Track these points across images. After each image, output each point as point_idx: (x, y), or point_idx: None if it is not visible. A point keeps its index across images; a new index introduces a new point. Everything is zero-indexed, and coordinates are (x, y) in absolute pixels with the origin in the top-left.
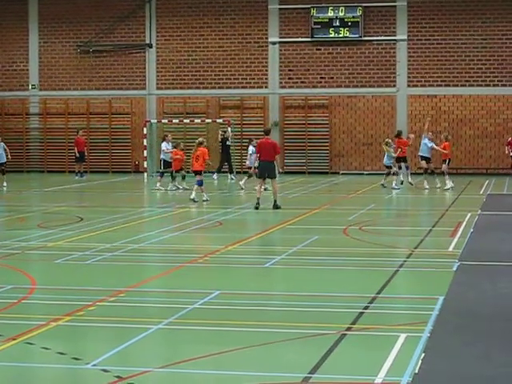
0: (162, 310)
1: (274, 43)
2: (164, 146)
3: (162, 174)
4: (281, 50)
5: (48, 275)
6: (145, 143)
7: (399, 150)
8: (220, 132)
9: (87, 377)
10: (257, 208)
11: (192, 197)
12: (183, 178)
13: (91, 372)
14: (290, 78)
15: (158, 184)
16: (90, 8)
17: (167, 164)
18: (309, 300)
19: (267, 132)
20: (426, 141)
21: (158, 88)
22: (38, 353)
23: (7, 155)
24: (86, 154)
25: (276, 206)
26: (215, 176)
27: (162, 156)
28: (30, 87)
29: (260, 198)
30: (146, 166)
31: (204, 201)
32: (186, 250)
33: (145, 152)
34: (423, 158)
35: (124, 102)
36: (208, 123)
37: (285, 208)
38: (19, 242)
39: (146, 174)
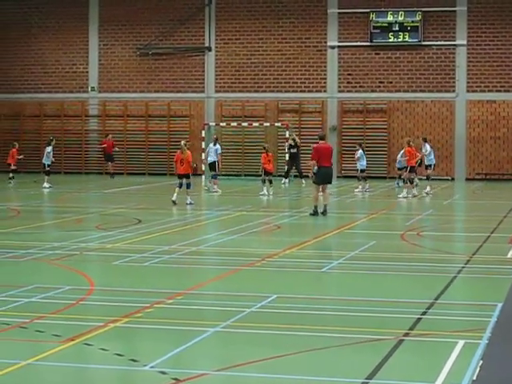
0: (219, 313)
1: (332, 47)
2: (212, 148)
3: (216, 176)
4: (339, 54)
5: (106, 276)
6: (203, 146)
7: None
8: (290, 138)
9: (145, 379)
10: (314, 215)
11: (174, 199)
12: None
13: (149, 374)
14: (348, 82)
15: (216, 187)
16: (150, 11)
17: (214, 166)
18: (366, 305)
19: (323, 137)
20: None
21: (216, 91)
22: (96, 354)
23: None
24: (113, 155)
25: (325, 212)
26: (286, 181)
27: (210, 158)
28: (90, 89)
29: (318, 205)
30: (203, 168)
31: (188, 204)
32: (243, 253)
33: (203, 155)
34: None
35: (182, 104)
36: (266, 127)
37: (342, 213)
38: (77, 243)
39: (203, 177)
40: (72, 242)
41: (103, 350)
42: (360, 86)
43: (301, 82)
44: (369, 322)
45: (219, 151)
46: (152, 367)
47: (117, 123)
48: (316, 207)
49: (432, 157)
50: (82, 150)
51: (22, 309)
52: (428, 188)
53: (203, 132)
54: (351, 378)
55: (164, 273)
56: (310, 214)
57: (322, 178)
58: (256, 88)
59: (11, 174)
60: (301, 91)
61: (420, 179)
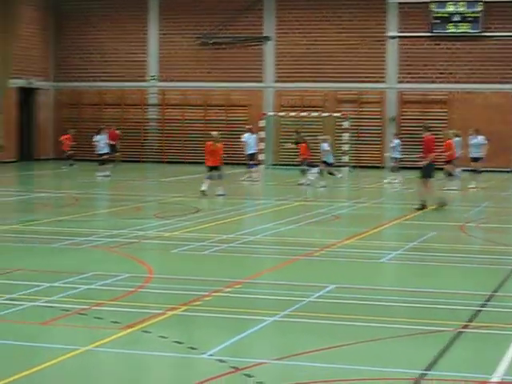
0: (277, 303)
1: (392, 37)
2: (246, 137)
3: (250, 166)
4: (399, 45)
5: (165, 265)
6: (261, 136)
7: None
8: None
9: (203, 367)
10: (421, 209)
11: (203, 188)
12: (303, 171)
13: (207, 362)
14: (408, 73)
15: (256, 175)
16: (210, 0)
17: (254, 156)
18: (424, 296)
19: (428, 128)
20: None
21: (275, 81)
22: (154, 341)
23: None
24: (117, 146)
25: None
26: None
27: (250, 149)
28: (150, 78)
29: (426, 199)
30: (262, 158)
31: (220, 195)
32: (301, 243)
33: (261, 144)
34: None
35: (241, 94)
36: (325, 117)
37: (402, 204)
38: (136, 231)
39: (262, 166)
40: (131, 229)
41: (162, 337)
42: (420, 77)
43: (360, 73)
44: (427, 313)
45: (255, 141)
46: (211, 355)
47: (176, 112)
48: (425, 201)
49: (477, 149)
50: (141, 138)
51: (81, 296)
52: (473, 183)
53: (261, 122)
54: (409, 369)
55: (222, 261)
56: (417, 209)
57: (430, 170)
58: (315, 78)
59: (70, 161)
60: (360, 81)
61: (470, 171)
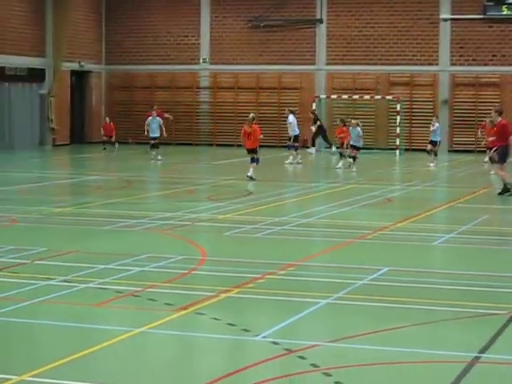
0: (330, 285)
1: (445, 20)
2: (291, 119)
3: (294, 148)
4: (452, 27)
5: (218, 247)
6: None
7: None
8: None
9: (257, 349)
10: (507, 191)
11: (250, 174)
12: (341, 155)
13: (261, 344)
14: (460, 56)
15: (291, 158)
16: None
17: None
18: (478, 279)
19: (501, 112)
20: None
21: (327, 63)
22: (208, 323)
23: (162, 132)
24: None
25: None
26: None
27: (294, 131)
28: (201, 61)
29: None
30: (313, 140)
31: (249, 178)
32: (354, 225)
33: (312, 127)
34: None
35: (293, 77)
36: (377, 100)
37: (454, 186)
38: (189, 213)
39: (313, 149)
40: (184, 212)
41: (215, 319)
42: (472, 60)
43: (412, 55)
44: (481, 296)
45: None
46: (264, 337)
47: (227, 95)
48: (509, 183)
49: None
50: (193, 122)
51: (135, 278)
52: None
53: (314, 104)
54: (463, 352)
55: (275, 244)
56: (499, 194)
57: (506, 155)
58: (367, 61)
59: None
60: (412, 64)
61: None
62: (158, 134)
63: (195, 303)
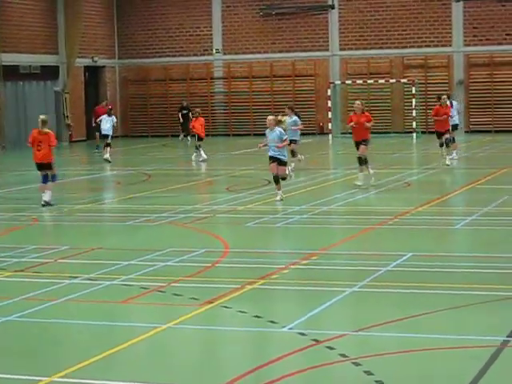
0: (355, 273)
1: (457, 0)
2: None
3: None
4: (465, 7)
5: (240, 238)
6: (329, 105)
7: None
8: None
9: (285, 340)
10: None
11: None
12: None
13: (288, 335)
14: (474, 36)
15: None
16: None
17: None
18: (503, 261)
19: None
20: None
21: (341, 49)
22: (235, 316)
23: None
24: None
25: None
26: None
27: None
28: (214, 52)
29: None
30: (330, 127)
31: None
32: (375, 211)
33: (329, 114)
34: None
35: (307, 63)
36: (392, 83)
37: (473, 168)
38: (209, 205)
39: (330, 136)
40: (204, 204)
41: (242, 312)
42: (486, 40)
43: (426, 37)
44: (507, 278)
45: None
46: (291, 329)
47: (242, 85)
48: None
49: None
50: (209, 112)
51: (159, 273)
52: None
53: (329, 91)
54: (492, 336)
55: (297, 233)
56: None
57: None
58: (380, 44)
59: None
60: (426, 46)
61: None
62: (110, 132)
63: (221, 296)
